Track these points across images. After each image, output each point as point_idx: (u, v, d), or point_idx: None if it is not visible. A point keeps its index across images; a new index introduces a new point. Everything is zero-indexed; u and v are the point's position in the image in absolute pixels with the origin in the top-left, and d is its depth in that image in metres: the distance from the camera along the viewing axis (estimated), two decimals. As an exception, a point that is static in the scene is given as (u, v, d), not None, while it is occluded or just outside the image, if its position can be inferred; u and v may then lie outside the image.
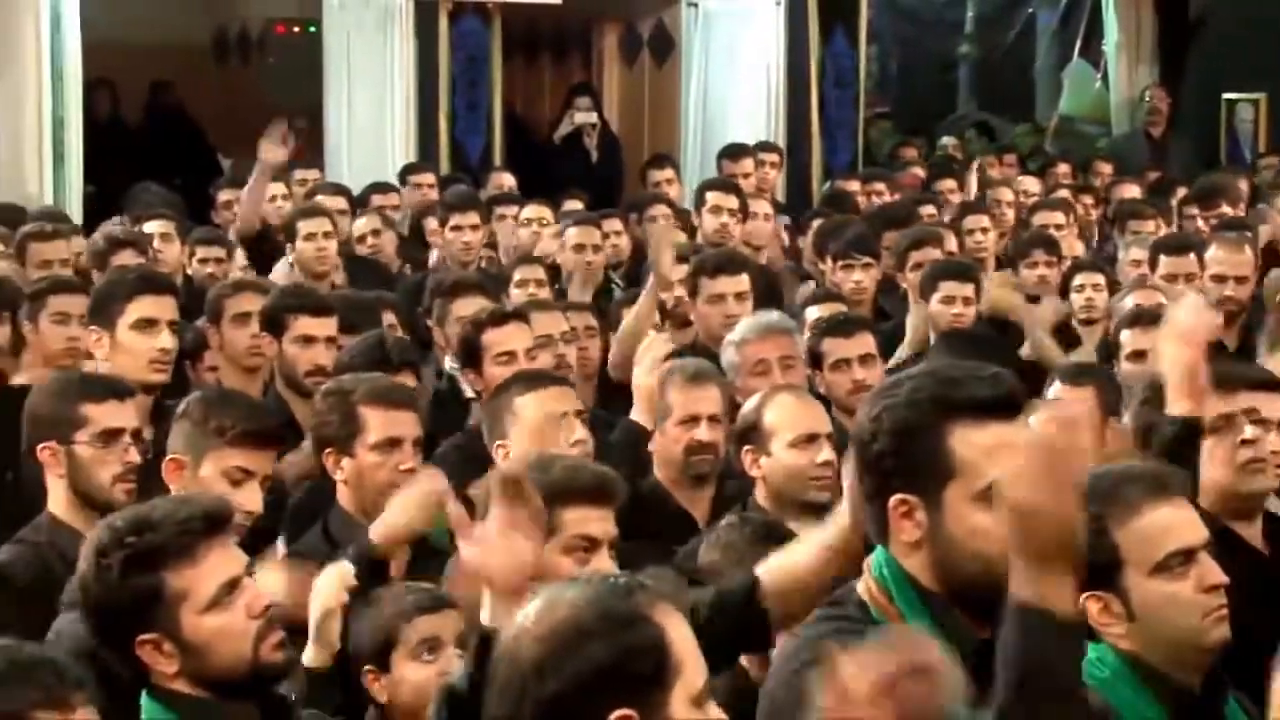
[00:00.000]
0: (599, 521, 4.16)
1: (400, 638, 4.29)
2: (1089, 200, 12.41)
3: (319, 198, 10.34)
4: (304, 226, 9.05)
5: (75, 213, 11.35)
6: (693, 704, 2.72)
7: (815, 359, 6.66)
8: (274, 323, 6.52)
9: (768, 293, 8.15)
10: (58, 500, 4.96)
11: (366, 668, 4.30)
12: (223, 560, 3.64)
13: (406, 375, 5.93)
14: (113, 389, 5.12)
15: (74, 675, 3.05)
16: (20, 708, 2.97)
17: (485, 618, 3.32)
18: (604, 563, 4.11)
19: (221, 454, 4.86)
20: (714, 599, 3.62)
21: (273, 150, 9.53)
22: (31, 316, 6.71)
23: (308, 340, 6.47)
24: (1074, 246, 10.30)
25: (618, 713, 2.66)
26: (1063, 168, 14.34)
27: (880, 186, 12.55)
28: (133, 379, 5.76)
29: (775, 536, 4.61)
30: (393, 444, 5.11)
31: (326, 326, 6.53)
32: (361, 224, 10.00)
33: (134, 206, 10.76)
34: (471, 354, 6.45)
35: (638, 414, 6.17)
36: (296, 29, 16.64)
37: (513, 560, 3.31)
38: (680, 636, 2.73)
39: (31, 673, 3.00)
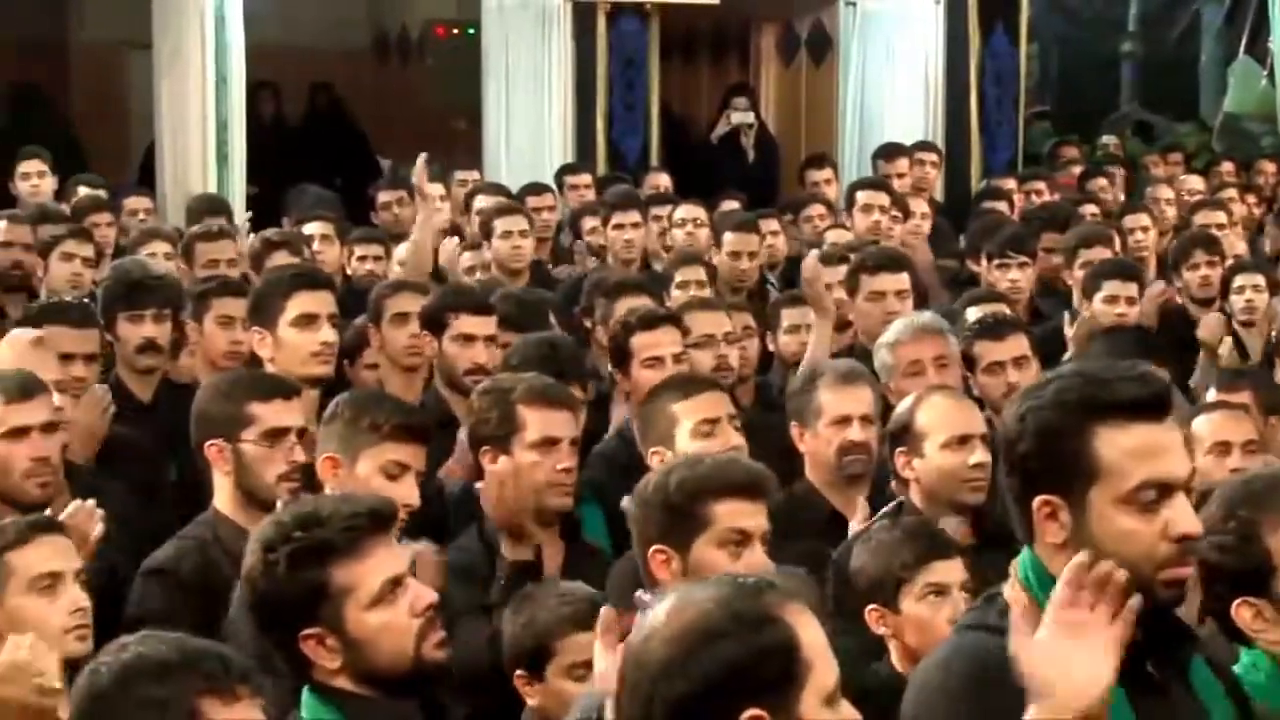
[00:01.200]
0: (751, 515, 4.15)
1: (556, 650, 4.30)
2: (1252, 199, 12.23)
3: (480, 198, 10.42)
4: (500, 224, 9.15)
5: (238, 213, 11.49)
6: (824, 704, 2.71)
7: (969, 362, 6.61)
8: (434, 322, 6.57)
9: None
10: (223, 497, 5.03)
11: (519, 672, 4.33)
12: (387, 558, 3.67)
13: (574, 381, 5.95)
14: (278, 388, 5.18)
15: (240, 666, 3.09)
16: (186, 697, 3.03)
17: None
18: (757, 557, 4.10)
19: (377, 450, 4.90)
20: None
21: (427, 205, 9.31)
22: (196, 317, 6.80)
23: (467, 339, 6.51)
24: (1235, 246, 10.17)
25: (748, 713, 2.65)
26: (1227, 166, 14.14)
27: (1039, 186, 12.44)
28: (297, 374, 5.85)
29: (928, 538, 4.61)
30: (550, 443, 5.13)
31: (486, 325, 6.56)
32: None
33: (293, 208, 10.90)
34: (620, 356, 6.45)
35: None
36: (456, 31, 16.77)
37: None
38: (811, 636, 2.72)
39: (198, 663, 3.04)
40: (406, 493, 4.81)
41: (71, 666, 3.92)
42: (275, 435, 5.02)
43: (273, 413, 5.05)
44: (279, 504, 4.40)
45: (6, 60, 15.98)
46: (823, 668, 2.72)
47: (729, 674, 2.66)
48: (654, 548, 4.13)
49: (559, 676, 4.27)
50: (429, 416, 5.46)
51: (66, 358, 6.08)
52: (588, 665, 4.16)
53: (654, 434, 5.42)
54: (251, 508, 4.95)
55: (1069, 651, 2.89)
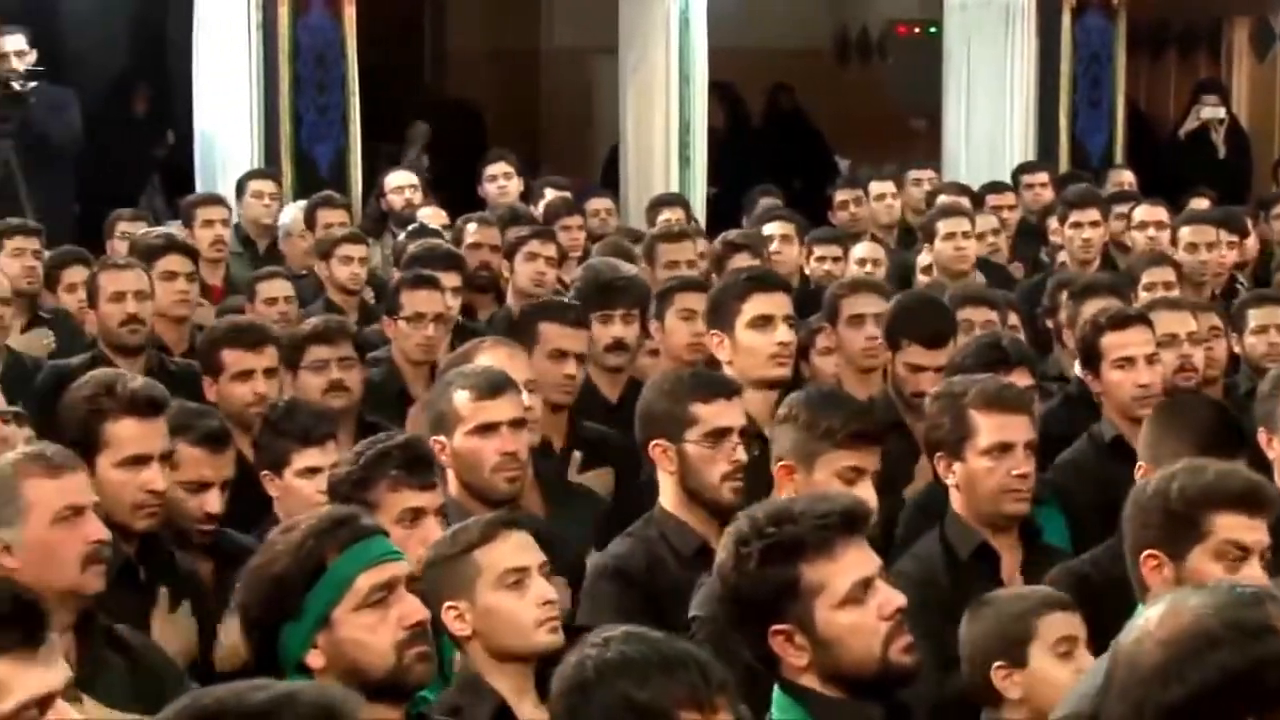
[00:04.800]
0: (1252, 530, 4.03)
1: (1036, 633, 4.25)
2: None
3: (942, 198, 10.36)
4: (944, 226, 9.10)
5: (699, 215, 11.64)
6: None
7: None
8: (889, 339, 6.52)
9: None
10: (668, 495, 5.07)
11: (997, 664, 4.27)
12: (858, 558, 3.67)
13: (1022, 374, 5.86)
14: (721, 389, 5.20)
15: (719, 676, 3.11)
16: (665, 704, 3.05)
17: None
18: (1255, 572, 3.98)
19: (833, 456, 4.89)
20: None
21: None
22: (659, 314, 6.89)
23: (915, 368, 6.44)
24: None
25: None
26: None
27: None
28: (755, 377, 5.89)
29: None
30: (1004, 448, 5.04)
31: (936, 358, 6.47)
32: (981, 223, 9.94)
33: (753, 209, 10.99)
34: (1090, 356, 6.31)
35: None
36: (917, 30, 16.70)
37: None
38: None
39: (677, 669, 3.07)
40: (863, 495, 4.79)
41: (546, 661, 4.02)
42: (718, 435, 5.04)
43: (715, 413, 5.07)
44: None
45: (481, 68, 16.51)
46: None
47: (1226, 682, 2.59)
48: (1146, 552, 4.04)
49: (1043, 655, 4.22)
50: (882, 418, 5.42)
51: (560, 354, 6.22)
52: (1070, 642, 4.19)
53: (1151, 453, 5.22)
54: (695, 507, 4.98)
55: None
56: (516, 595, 4.15)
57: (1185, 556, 4.01)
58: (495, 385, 5.26)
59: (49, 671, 2.97)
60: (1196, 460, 4.19)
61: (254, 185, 10.73)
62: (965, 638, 4.35)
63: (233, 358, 6.32)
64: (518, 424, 5.24)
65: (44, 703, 2.95)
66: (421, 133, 14.38)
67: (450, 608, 4.12)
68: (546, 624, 4.16)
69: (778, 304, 6.17)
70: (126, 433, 4.89)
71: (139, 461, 4.87)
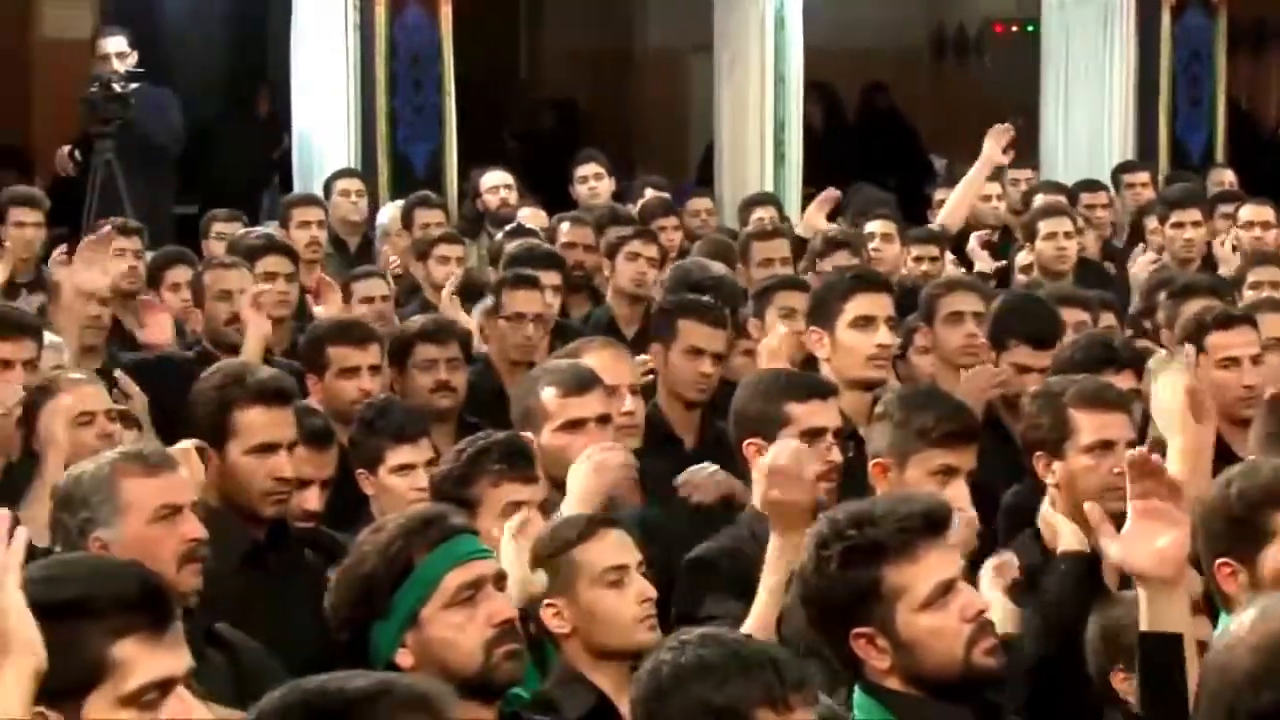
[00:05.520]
0: None
1: None
2: None
3: (1041, 197, 10.30)
4: (1045, 226, 9.05)
5: (794, 214, 11.61)
6: None
7: None
8: (993, 339, 6.49)
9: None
10: (759, 495, 5.07)
11: (1117, 667, 4.24)
12: (941, 560, 3.65)
13: (1128, 377, 5.81)
14: (816, 389, 5.20)
15: (796, 675, 3.10)
16: (741, 705, 3.05)
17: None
18: None
19: (926, 455, 4.87)
20: None
21: (997, 148, 9.56)
22: (758, 313, 6.88)
23: (1023, 370, 6.40)
24: None
25: None
26: None
27: None
28: (852, 377, 5.87)
29: None
30: (1105, 447, 5.00)
31: (1041, 359, 6.43)
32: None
33: (852, 207, 10.95)
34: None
35: None
36: (1014, 28, 16.62)
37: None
38: None
39: (753, 670, 3.08)
40: (956, 495, 4.77)
41: (636, 655, 4.03)
42: (812, 435, 5.03)
43: (809, 413, 5.07)
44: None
45: (576, 68, 16.55)
46: None
47: None
48: (1219, 561, 4.00)
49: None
50: (976, 418, 5.39)
51: (697, 352, 6.23)
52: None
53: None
54: None
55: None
56: (616, 593, 4.17)
57: (1256, 559, 3.95)
58: (582, 382, 5.27)
59: (172, 656, 3.01)
60: (1251, 461, 4.14)
61: (341, 184, 10.79)
62: (1088, 639, 4.32)
63: (338, 354, 6.36)
64: (604, 420, 5.25)
65: (165, 686, 2.98)
66: None
67: (549, 605, 4.13)
68: (645, 621, 4.17)
69: (880, 305, 6.14)
70: (255, 421, 4.98)
71: (267, 449, 4.95)
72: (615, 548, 4.21)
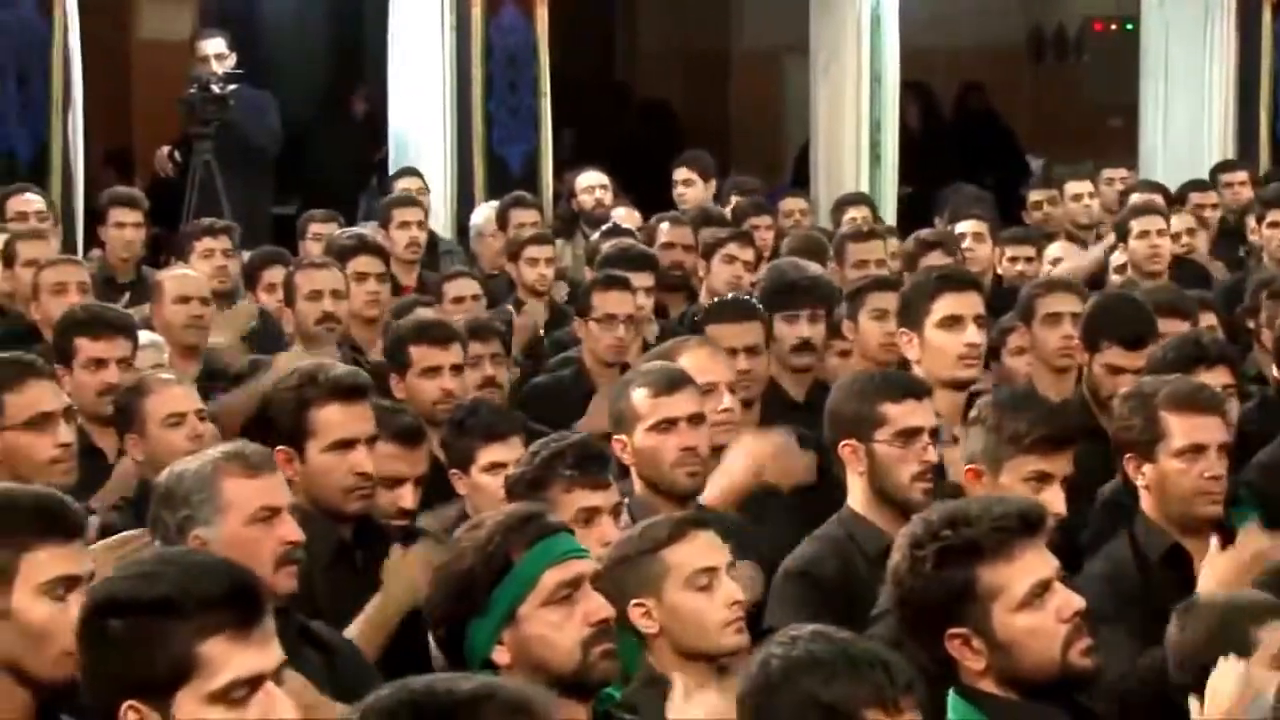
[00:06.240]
0: None
1: (1257, 643, 4.12)
2: None
3: (1136, 196, 10.22)
4: (1137, 225, 8.99)
5: (889, 214, 11.58)
6: None
7: None
8: (1087, 340, 6.44)
9: None
10: (857, 496, 5.05)
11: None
12: (1036, 561, 3.64)
13: (1221, 373, 5.75)
14: (911, 388, 5.17)
15: (905, 676, 3.10)
16: (851, 704, 3.04)
17: None
18: None
19: (1020, 461, 4.86)
20: None
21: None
22: (851, 314, 6.86)
23: (1114, 370, 6.35)
24: None
25: None
26: None
27: None
28: (942, 377, 5.83)
29: None
30: (1196, 451, 4.96)
31: (1135, 359, 6.38)
32: (1176, 222, 9.80)
33: (946, 207, 10.91)
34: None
35: None
36: (1114, 26, 16.50)
37: None
38: None
39: (863, 670, 3.07)
40: (1051, 501, 4.74)
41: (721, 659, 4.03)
42: (908, 435, 5.01)
43: (905, 413, 5.04)
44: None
45: (671, 69, 16.56)
46: None
47: None
48: None
49: (1262, 668, 4.13)
50: (1072, 420, 5.35)
51: (730, 352, 6.24)
52: None
53: None
54: (885, 507, 4.96)
55: None
56: (704, 596, 4.15)
57: None
58: (673, 381, 5.27)
59: (261, 653, 3.03)
60: None
61: (402, 184, 10.80)
62: (1174, 641, 4.26)
63: (420, 353, 6.39)
64: (696, 419, 5.24)
65: (254, 683, 3.01)
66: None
67: (637, 605, 4.13)
68: (733, 625, 4.15)
69: (968, 304, 6.10)
70: (332, 418, 5.00)
71: (346, 445, 4.97)
72: (705, 549, 4.20)
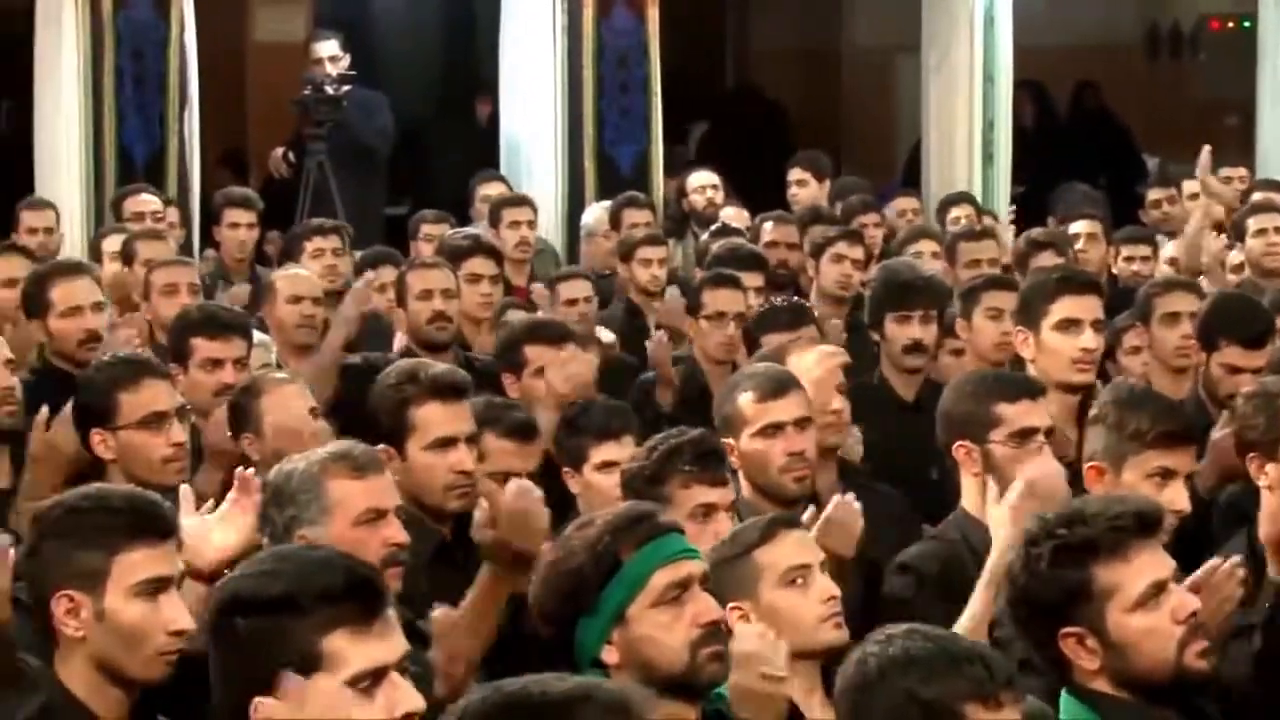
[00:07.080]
0: None
1: None
2: None
3: (1256, 195, 10.10)
4: (1254, 223, 8.91)
5: (1002, 213, 11.50)
6: None
7: None
8: (1203, 339, 6.37)
9: None
10: (970, 498, 5.03)
11: None
12: (1153, 561, 3.63)
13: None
14: (1026, 389, 5.15)
15: (1004, 671, 3.08)
16: (951, 700, 3.03)
17: None
18: None
19: (1142, 458, 4.82)
20: None
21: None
22: (966, 313, 6.83)
23: (1233, 370, 6.28)
24: None
25: None
26: None
27: None
28: (1056, 379, 5.79)
29: None
30: (1324, 451, 4.89)
31: (1255, 359, 6.30)
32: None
33: (1060, 206, 10.83)
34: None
35: None
36: (1230, 24, 16.33)
37: None
38: None
39: (963, 665, 3.06)
40: (1175, 498, 4.70)
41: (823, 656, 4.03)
42: (1023, 436, 4.99)
43: (1020, 413, 5.02)
44: None
45: (782, 68, 16.53)
46: None
47: None
48: None
49: None
50: (1194, 419, 5.29)
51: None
52: None
53: None
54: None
55: None
56: (799, 593, 4.14)
57: None
58: (779, 385, 5.25)
59: (384, 645, 3.05)
60: None
61: (481, 190, 10.78)
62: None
63: (535, 353, 6.40)
64: (803, 423, 5.22)
65: (377, 675, 3.02)
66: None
67: (734, 608, 4.11)
68: (830, 620, 4.14)
69: (1087, 307, 6.06)
70: (432, 416, 5.04)
71: (446, 444, 5.02)
72: (796, 547, 4.19)
